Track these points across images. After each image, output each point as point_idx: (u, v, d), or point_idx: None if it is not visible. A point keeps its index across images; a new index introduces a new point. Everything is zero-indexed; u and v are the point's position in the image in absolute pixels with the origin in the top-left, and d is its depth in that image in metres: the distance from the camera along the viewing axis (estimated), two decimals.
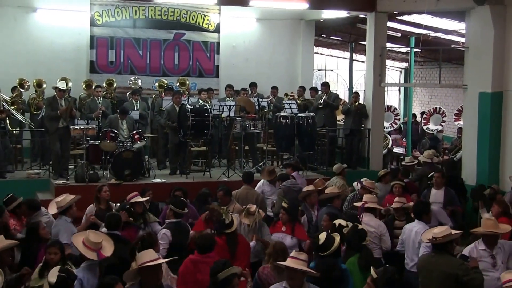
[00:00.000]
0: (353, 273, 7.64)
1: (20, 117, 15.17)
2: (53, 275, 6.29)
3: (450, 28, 19.54)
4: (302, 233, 9.21)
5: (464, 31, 16.61)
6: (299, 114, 14.94)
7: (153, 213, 10.49)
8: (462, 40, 18.18)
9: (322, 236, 7.47)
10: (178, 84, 17.66)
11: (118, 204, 10.16)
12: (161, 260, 6.32)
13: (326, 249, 7.35)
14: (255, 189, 11.84)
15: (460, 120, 20.03)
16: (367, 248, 8.31)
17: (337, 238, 7.51)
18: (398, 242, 9.37)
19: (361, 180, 11.53)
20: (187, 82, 17.83)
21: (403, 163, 15.06)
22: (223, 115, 14.90)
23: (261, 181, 12.16)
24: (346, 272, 7.40)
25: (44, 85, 16.07)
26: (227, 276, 6.04)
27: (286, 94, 18.33)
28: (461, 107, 19.55)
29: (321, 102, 16.69)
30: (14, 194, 9.87)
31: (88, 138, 13.43)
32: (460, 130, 18.15)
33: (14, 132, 14.85)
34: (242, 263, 8.23)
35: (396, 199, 10.35)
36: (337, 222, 8.43)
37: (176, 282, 7.51)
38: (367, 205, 9.80)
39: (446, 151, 18.24)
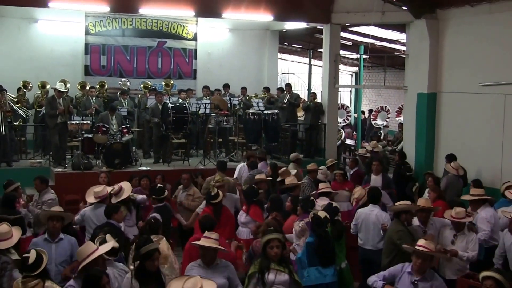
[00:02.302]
0: None
1: (22, 112, 15.12)
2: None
3: (393, 38, 19.71)
4: (256, 213, 9.18)
5: (405, 41, 16.78)
6: (265, 111, 15.00)
7: None
8: (403, 48, 18.35)
9: (322, 213, 7.68)
10: (163, 85, 17.63)
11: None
12: (99, 252, 5.95)
13: (326, 225, 7.60)
14: (236, 171, 12.15)
15: (401, 116, 20.25)
16: (340, 221, 8.48)
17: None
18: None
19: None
20: (171, 84, 17.80)
21: (356, 153, 15.15)
22: (200, 112, 14.85)
23: (242, 165, 12.30)
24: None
25: (48, 86, 16.02)
26: (149, 250, 5.89)
27: (256, 95, 18.38)
28: (402, 105, 19.76)
29: (285, 101, 16.75)
30: (12, 179, 9.80)
31: (83, 132, 13.36)
32: (401, 125, 18.37)
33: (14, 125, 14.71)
34: (225, 230, 8.56)
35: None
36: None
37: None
38: (321, 190, 9.87)
39: (390, 142, 18.46)
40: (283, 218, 8.70)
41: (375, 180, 11.44)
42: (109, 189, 9.02)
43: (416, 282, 6.11)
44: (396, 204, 8.42)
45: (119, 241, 6.67)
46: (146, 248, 5.87)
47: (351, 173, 12.99)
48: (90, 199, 8.90)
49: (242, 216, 9.25)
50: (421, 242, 6.40)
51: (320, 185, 10.24)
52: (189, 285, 5.37)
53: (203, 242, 6.35)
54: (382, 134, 20.45)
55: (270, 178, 11.03)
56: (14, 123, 14.61)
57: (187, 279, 5.46)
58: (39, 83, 16.05)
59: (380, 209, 8.89)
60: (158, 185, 9.99)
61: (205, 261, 6.34)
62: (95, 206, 8.73)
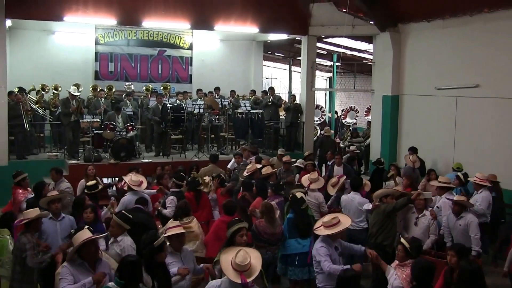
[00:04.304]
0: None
1: (41, 112, 15.10)
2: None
3: (362, 48, 19.80)
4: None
5: (372, 50, 16.86)
6: (252, 111, 15.02)
7: None
8: (370, 57, 18.41)
9: (299, 194, 7.81)
10: (162, 88, 17.59)
11: (116, 179, 10.10)
12: (95, 236, 5.50)
13: (302, 203, 7.71)
14: (229, 164, 12.22)
15: (369, 116, 20.31)
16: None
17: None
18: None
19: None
20: (169, 87, 17.77)
21: (347, 149, 15.09)
22: (195, 112, 14.81)
23: (233, 159, 12.31)
24: None
25: (60, 89, 16.00)
26: (161, 243, 5.54)
27: (244, 96, 18.38)
28: (369, 106, 19.84)
29: (269, 101, 16.77)
30: (21, 170, 9.71)
31: (93, 129, 13.36)
32: (369, 123, 18.43)
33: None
34: (204, 211, 8.96)
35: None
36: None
37: None
38: (312, 186, 9.51)
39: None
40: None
41: (338, 170, 11.56)
42: (142, 178, 9.04)
43: (336, 247, 6.48)
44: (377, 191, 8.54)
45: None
46: (159, 241, 5.51)
47: (329, 163, 13.01)
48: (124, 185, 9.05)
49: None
50: (325, 219, 6.63)
51: (311, 178, 9.72)
52: (240, 259, 5.07)
53: (176, 230, 6.02)
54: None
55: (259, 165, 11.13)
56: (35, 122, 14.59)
57: (237, 252, 5.14)
58: (52, 86, 16.04)
59: (360, 195, 8.93)
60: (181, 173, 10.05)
61: (177, 247, 5.97)
62: (132, 193, 8.72)
